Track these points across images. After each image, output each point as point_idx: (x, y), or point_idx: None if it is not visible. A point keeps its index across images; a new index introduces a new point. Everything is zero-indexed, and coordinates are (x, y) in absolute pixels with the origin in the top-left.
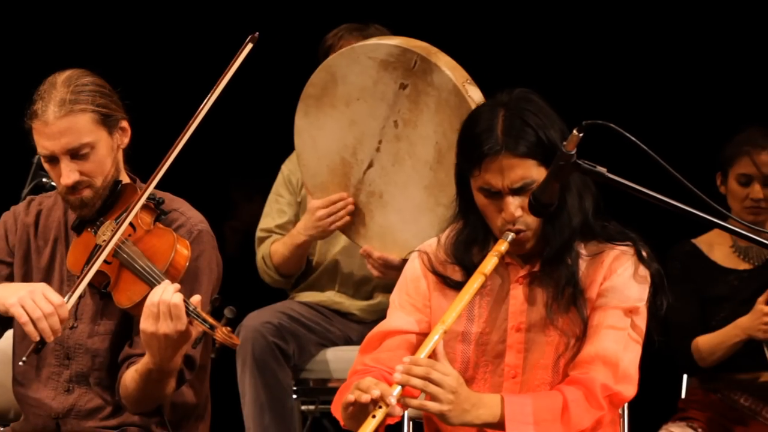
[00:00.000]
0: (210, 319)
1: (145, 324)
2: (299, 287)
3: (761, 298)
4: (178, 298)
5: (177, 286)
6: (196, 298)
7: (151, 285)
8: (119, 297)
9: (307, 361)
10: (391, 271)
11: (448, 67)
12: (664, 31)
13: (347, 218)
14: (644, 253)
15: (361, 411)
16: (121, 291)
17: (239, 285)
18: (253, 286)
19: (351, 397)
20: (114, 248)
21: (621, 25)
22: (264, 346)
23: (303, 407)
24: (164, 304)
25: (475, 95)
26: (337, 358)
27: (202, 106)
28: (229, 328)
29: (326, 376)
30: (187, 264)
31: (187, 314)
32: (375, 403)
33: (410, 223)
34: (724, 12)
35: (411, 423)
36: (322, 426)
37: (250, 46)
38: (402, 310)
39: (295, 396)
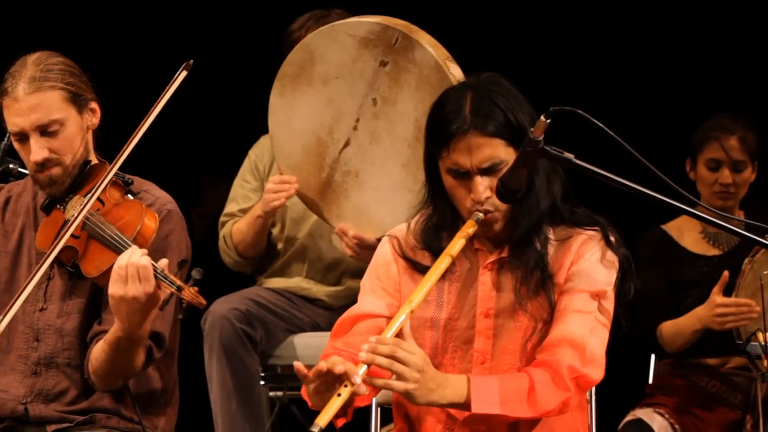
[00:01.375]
0: (177, 281)
1: (114, 288)
2: (267, 273)
3: (715, 289)
4: (146, 260)
5: (145, 250)
6: (163, 262)
7: (119, 253)
8: (87, 267)
9: (275, 348)
10: (366, 251)
11: (429, 44)
12: (634, 18)
13: (282, 201)
14: (612, 238)
15: (326, 389)
16: (89, 261)
17: (207, 271)
18: (220, 273)
19: (300, 366)
20: (82, 221)
21: (592, 13)
22: (231, 333)
23: (271, 393)
24: (132, 267)
25: (456, 72)
26: (305, 344)
27: (136, 132)
28: (196, 288)
29: (294, 362)
30: (155, 235)
31: (155, 276)
32: (341, 381)
33: (387, 201)
34: (693, 1)
35: (379, 409)
36: (289, 412)
37: (184, 73)
38: (373, 295)
39: (262, 382)
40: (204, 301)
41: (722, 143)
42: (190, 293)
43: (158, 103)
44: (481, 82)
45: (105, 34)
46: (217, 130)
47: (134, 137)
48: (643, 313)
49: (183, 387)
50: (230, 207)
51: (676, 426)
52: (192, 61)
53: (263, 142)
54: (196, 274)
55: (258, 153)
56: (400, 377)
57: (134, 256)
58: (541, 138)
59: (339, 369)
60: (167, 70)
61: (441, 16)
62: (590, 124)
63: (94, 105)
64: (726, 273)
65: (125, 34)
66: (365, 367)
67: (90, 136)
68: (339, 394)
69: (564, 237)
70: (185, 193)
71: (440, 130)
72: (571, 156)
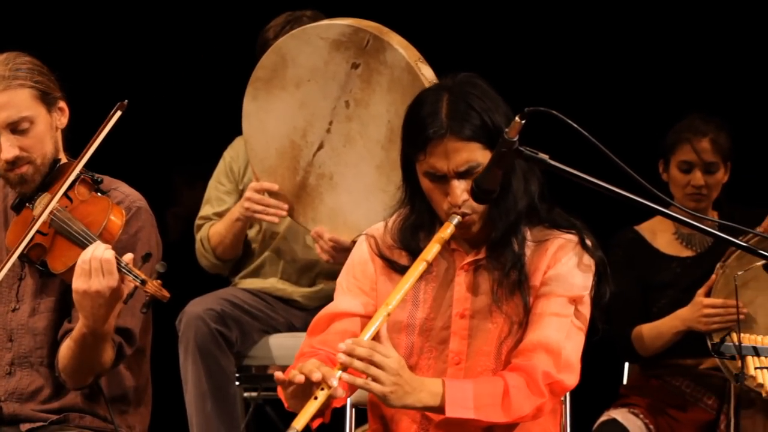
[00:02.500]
0: (141, 274)
1: (78, 282)
2: (242, 274)
3: (701, 290)
4: (109, 254)
5: (108, 245)
6: (128, 256)
7: (85, 248)
8: (54, 263)
9: (250, 348)
10: (342, 254)
11: (400, 45)
12: (608, 19)
13: (273, 219)
14: (588, 242)
15: (303, 392)
16: (56, 257)
17: (182, 271)
18: (195, 273)
19: (279, 375)
20: (50, 217)
21: (566, 14)
22: (206, 333)
23: (245, 394)
24: (95, 260)
25: (427, 73)
26: (280, 344)
27: (73, 166)
28: (160, 281)
29: (269, 362)
30: (121, 230)
31: (119, 270)
32: (318, 384)
33: (361, 203)
34: (667, 1)
35: (354, 409)
36: (264, 413)
37: (119, 113)
38: (349, 293)
39: (237, 383)
40: (167, 294)
41: (694, 145)
42: (153, 286)
43: (92, 143)
44: (457, 83)
45: (73, 33)
46: (192, 130)
47: (72, 170)
48: (615, 318)
49: (158, 388)
50: (205, 210)
51: (651, 426)
52: (126, 101)
53: (238, 143)
54: (159, 267)
55: (233, 155)
56: (375, 380)
57: (97, 250)
58: (515, 139)
59: (316, 377)
60: (139, 71)
61: (414, 15)
62: (565, 125)
63: (62, 104)
64: (713, 277)
65: (95, 32)
66: (341, 370)
67: (59, 136)
68: (316, 397)
69: (541, 238)
70: (160, 194)
71: (417, 134)
72: (545, 156)
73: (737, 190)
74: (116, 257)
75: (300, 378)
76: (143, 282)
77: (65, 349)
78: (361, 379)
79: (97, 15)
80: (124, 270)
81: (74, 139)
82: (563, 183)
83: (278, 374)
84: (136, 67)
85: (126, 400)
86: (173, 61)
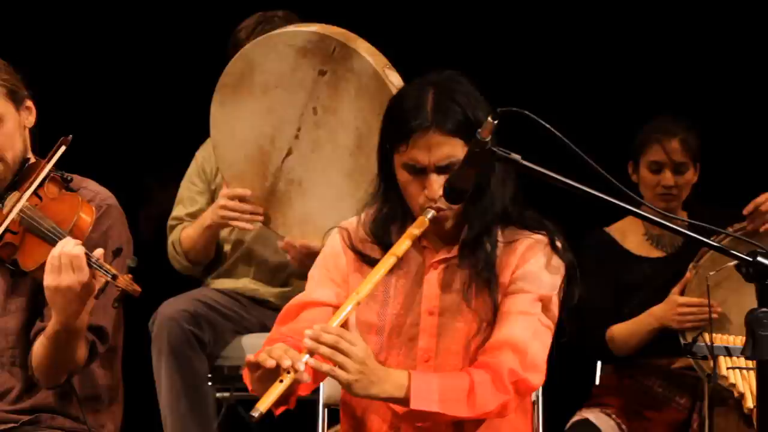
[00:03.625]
0: (112, 269)
1: (48, 279)
2: (214, 274)
3: (675, 288)
4: (79, 250)
5: (78, 240)
6: (98, 251)
7: (55, 245)
8: (25, 261)
9: (223, 349)
10: (312, 259)
11: (367, 52)
12: (580, 20)
13: (248, 226)
14: (558, 243)
15: (269, 377)
16: (26, 255)
17: (154, 272)
18: (168, 274)
19: (251, 357)
20: (19, 215)
21: (537, 15)
22: (179, 334)
23: (218, 394)
24: (65, 256)
25: (395, 80)
26: (253, 345)
27: (43, 165)
28: (130, 276)
29: (241, 363)
30: (91, 227)
31: (89, 265)
32: (284, 368)
33: (331, 209)
34: (638, 1)
35: (326, 409)
36: (237, 413)
37: (63, 148)
38: (321, 284)
39: (210, 383)
40: (139, 288)
41: (664, 145)
42: (124, 281)
43: (37, 176)
44: (443, 79)
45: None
46: (165, 130)
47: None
48: (588, 320)
49: (131, 388)
50: (177, 210)
51: (623, 426)
52: (70, 136)
53: (210, 144)
54: (130, 262)
55: (205, 155)
56: (341, 367)
57: (67, 246)
58: (488, 139)
59: (286, 364)
60: (112, 71)
61: (387, 15)
62: (539, 126)
63: (29, 103)
64: (688, 275)
65: (65, 32)
66: (308, 355)
67: (27, 134)
68: (281, 380)
69: (511, 239)
70: (133, 195)
71: (399, 125)
72: (518, 157)
73: (707, 190)
74: (86, 253)
75: (271, 363)
76: (114, 276)
77: (39, 347)
78: (327, 365)
79: (66, 14)
80: (94, 265)
81: (42, 139)
82: (541, 185)
83: (248, 356)
84: (108, 67)
85: (98, 399)
86: (146, 62)
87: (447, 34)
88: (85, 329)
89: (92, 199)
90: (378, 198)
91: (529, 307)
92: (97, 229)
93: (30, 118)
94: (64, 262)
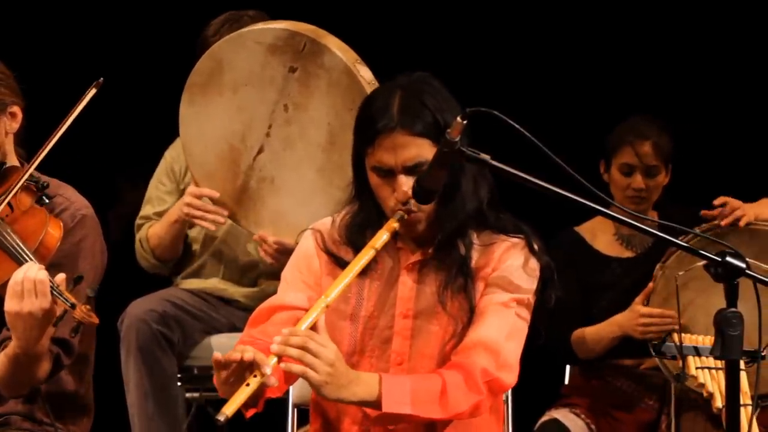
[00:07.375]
0: (71, 298)
1: (10, 304)
2: (183, 274)
3: (638, 298)
4: (42, 275)
5: (41, 265)
6: (60, 277)
7: (20, 264)
8: None
9: (192, 349)
10: (286, 256)
11: (338, 48)
12: (552, 20)
13: (210, 226)
14: (536, 246)
15: (237, 379)
16: None
17: (123, 272)
18: (137, 274)
19: (217, 355)
20: None
21: (508, 14)
22: (148, 334)
23: (187, 394)
24: (29, 281)
25: (366, 75)
26: (222, 345)
27: (47, 143)
28: (88, 307)
29: (210, 363)
30: (58, 245)
31: (51, 292)
32: (252, 371)
33: (304, 205)
34: (611, 1)
35: (296, 410)
36: (206, 413)
37: (93, 91)
38: (293, 287)
39: (179, 383)
40: (96, 320)
41: (636, 148)
42: (81, 312)
43: (67, 119)
44: (412, 81)
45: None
46: (135, 130)
47: (44, 148)
48: (554, 321)
49: (99, 389)
50: (146, 209)
51: (593, 426)
52: (102, 79)
53: (179, 143)
54: (89, 292)
55: (174, 155)
56: (311, 368)
57: (30, 271)
58: (457, 139)
59: (248, 356)
60: (80, 74)
61: (357, 12)
62: (508, 126)
63: (14, 109)
64: (651, 285)
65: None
66: (276, 358)
67: (9, 140)
68: (248, 384)
69: (488, 242)
70: (103, 194)
71: (366, 128)
72: (487, 157)
73: (677, 190)
74: (49, 278)
75: (236, 356)
76: (73, 306)
77: None
78: (299, 366)
79: (36, 14)
80: (55, 292)
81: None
82: (512, 185)
83: (216, 355)
84: (77, 67)
85: (68, 406)
86: (115, 62)
87: (417, 33)
88: (46, 350)
89: (67, 207)
90: (353, 201)
91: (504, 309)
92: (70, 240)
93: (13, 125)
94: (27, 287)
